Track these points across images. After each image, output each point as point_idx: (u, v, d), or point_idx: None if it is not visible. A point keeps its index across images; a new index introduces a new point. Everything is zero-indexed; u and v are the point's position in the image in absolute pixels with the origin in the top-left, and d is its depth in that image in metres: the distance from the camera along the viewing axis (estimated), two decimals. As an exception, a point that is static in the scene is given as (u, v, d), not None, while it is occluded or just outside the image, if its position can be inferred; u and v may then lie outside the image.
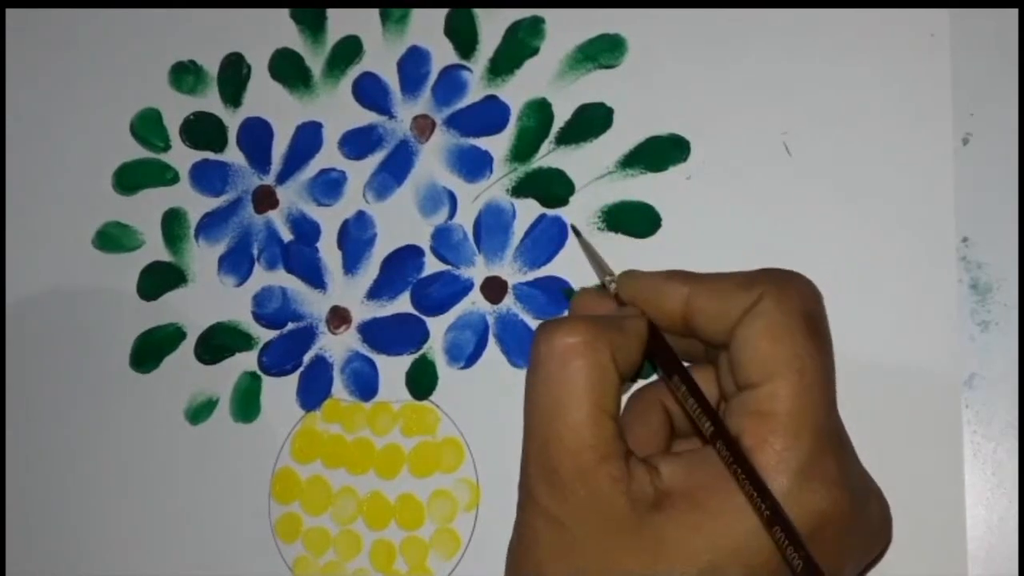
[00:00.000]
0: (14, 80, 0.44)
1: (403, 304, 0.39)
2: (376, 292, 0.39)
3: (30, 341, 0.42)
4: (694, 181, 0.36)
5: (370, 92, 0.40)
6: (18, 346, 0.42)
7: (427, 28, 0.39)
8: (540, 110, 0.37)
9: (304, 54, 0.40)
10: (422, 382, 0.38)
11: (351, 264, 0.39)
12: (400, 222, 0.39)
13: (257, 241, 0.40)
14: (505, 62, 0.38)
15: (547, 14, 0.38)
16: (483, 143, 0.38)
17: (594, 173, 0.37)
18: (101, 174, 0.42)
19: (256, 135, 0.41)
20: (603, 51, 0.37)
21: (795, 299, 0.28)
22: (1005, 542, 0.32)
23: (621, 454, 0.27)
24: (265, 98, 0.41)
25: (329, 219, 0.40)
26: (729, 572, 0.26)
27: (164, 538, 0.40)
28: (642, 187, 0.36)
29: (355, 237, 0.39)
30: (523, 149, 0.38)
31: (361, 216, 0.39)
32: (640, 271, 0.31)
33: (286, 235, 0.40)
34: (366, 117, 0.40)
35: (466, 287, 0.38)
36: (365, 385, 0.39)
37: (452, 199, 0.38)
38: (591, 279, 0.37)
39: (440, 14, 0.39)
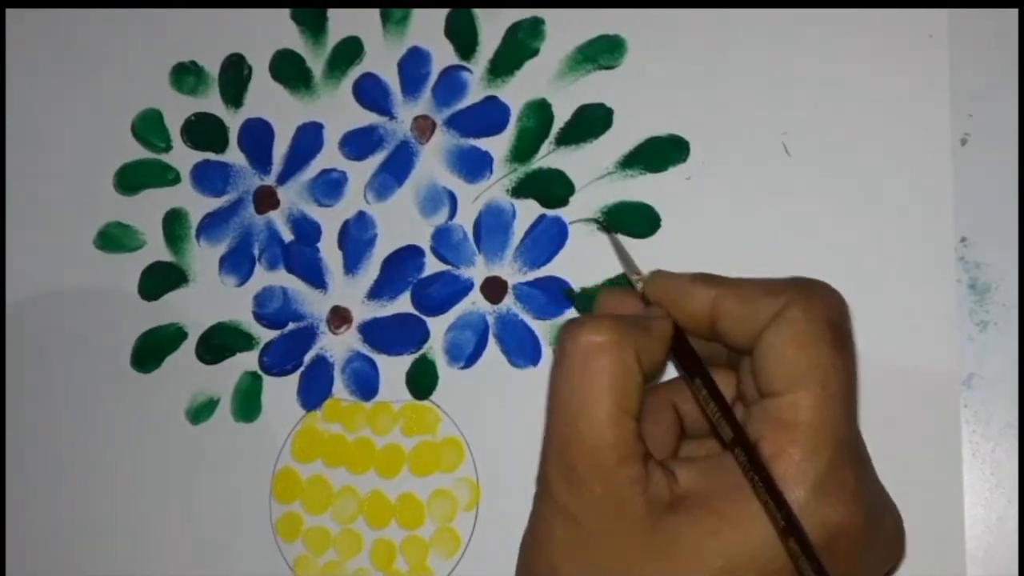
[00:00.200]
0: (15, 80, 0.44)
1: (403, 304, 0.39)
2: (377, 292, 0.39)
3: (31, 341, 0.42)
4: (694, 181, 0.36)
5: (371, 93, 0.40)
6: (19, 346, 0.42)
7: (427, 29, 0.39)
8: (540, 111, 0.38)
9: (305, 55, 0.40)
10: (422, 382, 0.38)
11: (352, 264, 0.39)
12: (400, 222, 0.39)
13: (258, 241, 0.40)
14: (505, 63, 0.38)
15: (547, 15, 0.38)
16: (483, 144, 0.38)
17: (594, 173, 0.37)
18: (102, 174, 0.42)
19: (257, 136, 0.41)
20: (603, 52, 0.37)
21: (822, 308, 0.27)
22: (1004, 542, 0.32)
23: (640, 455, 0.27)
24: (266, 99, 0.41)
25: (330, 219, 0.40)
26: None
27: (165, 537, 0.40)
28: (642, 187, 0.36)
29: (356, 237, 0.39)
30: (523, 150, 0.38)
31: (362, 216, 0.39)
32: (668, 272, 0.31)
33: (287, 235, 0.40)
34: (367, 118, 0.40)
35: (466, 287, 0.38)
36: (366, 385, 0.39)
37: (452, 199, 0.38)
38: (591, 279, 0.37)
39: (440, 15, 0.39)
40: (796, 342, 0.27)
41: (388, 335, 0.39)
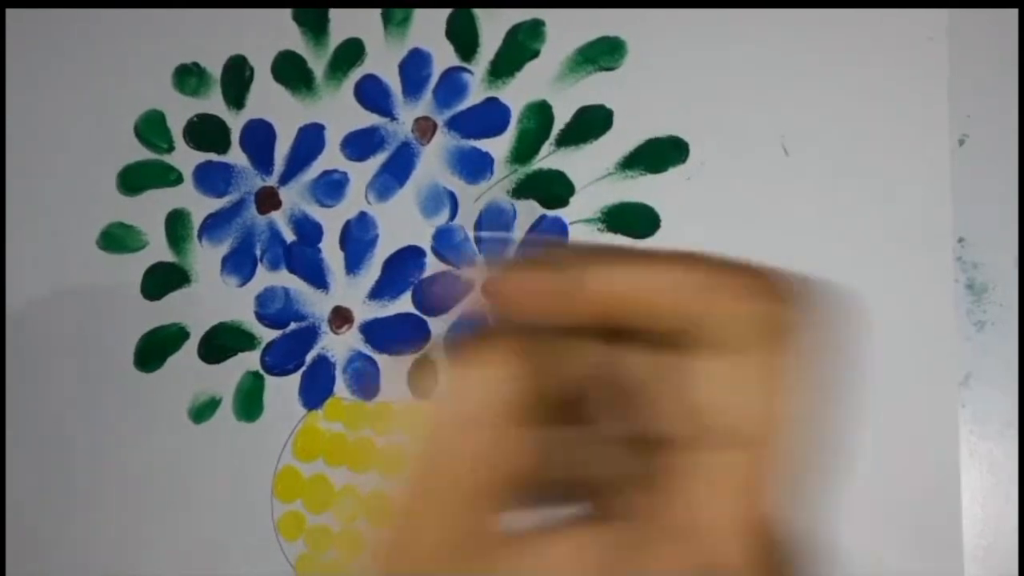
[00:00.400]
0: (17, 81, 0.44)
1: (405, 304, 0.39)
2: (378, 292, 0.39)
3: (34, 340, 0.42)
4: (694, 182, 0.36)
5: (372, 94, 0.40)
6: (22, 345, 0.43)
7: (428, 30, 0.39)
8: (540, 112, 0.38)
9: (306, 56, 0.40)
10: (423, 382, 0.38)
11: (353, 264, 0.39)
12: (402, 223, 0.39)
13: (260, 242, 0.40)
14: (506, 64, 0.38)
15: (547, 17, 0.38)
16: (484, 145, 0.38)
17: (594, 174, 0.37)
18: (105, 175, 0.42)
19: (259, 137, 0.41)
20: (603, 53, 0.37)
21: (795, 343, 0.21)
22: (1002, 540, 0.32)
23: (502, 487, 0.24)
24: (268, 100, 0.41)
25: (331, 220, 0.40)
26: None
27: (167, 536, 0.40)
28: (642, 188, 0.36)
29: (357, 238, 0.39)
30: (524, 150, 0.38)
31: (363, 217, 0.39)
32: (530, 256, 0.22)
33: (289, 236, 0.40)
34: (368, 119, 0.40)
35: (467, 287, 0.38)
36: (367, 384, 0.39)
37: (453, 200, 0.39)
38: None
39: (441, 16, 0.39)
40: (768, 382, 0.20)
41: (389, 335, 0.39)
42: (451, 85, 0.39)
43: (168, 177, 0.42)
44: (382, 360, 0.39)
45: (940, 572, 0.32)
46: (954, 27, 0.34)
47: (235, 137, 0.41)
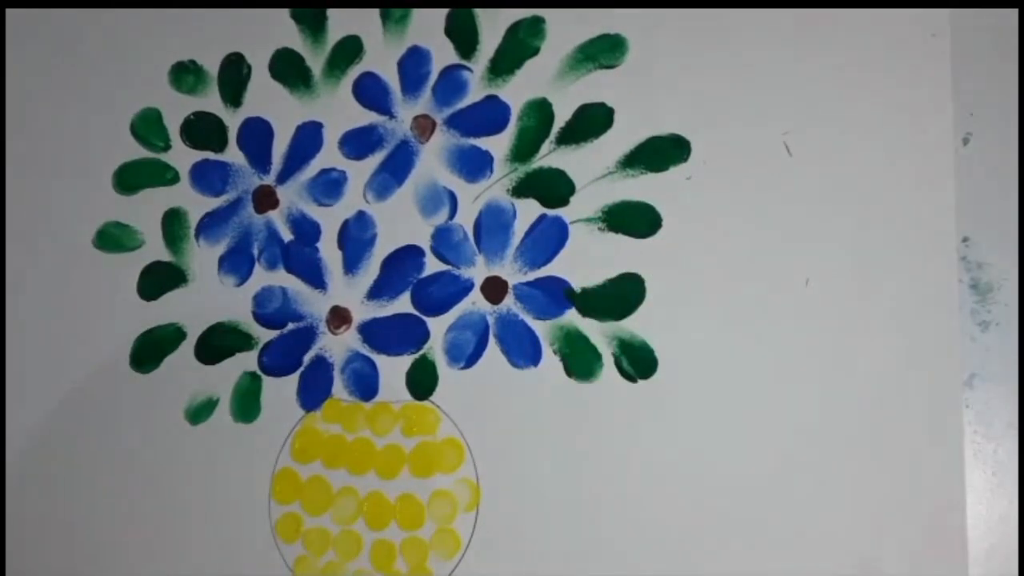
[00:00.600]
0: (14, 80, 0.44)
1: (403, 304, 0.39)
2: (376, 292, 0.39)
3: (30, 340, 0.42)
4: (694, 181, 0.36)
5: (370, 92, 0.40)
6: (18, 345, 0.42)
7: (427, 28, 0.39)
8: (540, 110, 0.37)
9: (304, 54, 0.40)
10: (422, 382, 0.38)
11: (351, 264, 0.39)
12: (400, 222, 0.39)
13: (257, 241, 0.40)
14: (505, 62, 0.38)
15: (547, 14, 0.38)
16: (483, 143, 0.38)
17: (595, 173, 0.37)
18: (101, 174, 0.42)
19: (256, 135, 0.41)
20: (603, 51, 0.37)
21: None
22: (1005, 542, 0.32)
23: None
24: (265, 98, 0.41)
25: (329, 219, 0.40)
26: None
27: (164, 538, 0.40)
28: (642, 187, 0.36)
29: (355, 237, 0.39)
30: (523, 149, 0.38)
31: (361, 216, 0.39)
32: None
33: (286, 235, 0.40)
34: (366, 117, 0.40)
35: (466, 287, 0.38)
36: (365, 385, 0.39)
37: (452, 199, 0.38)
38: (592, 279, 0.37)
39: (440, 14, 0.39)
40: None
41: (388, 335, 0.39)
42: (450, 83, 0.39)
43: (165, 176, 0.42)
44: (380, 361, 0.39)
45: (944, 573, 0.32)
46: (956, 26, 0.34)
47: (232, 135, 0.41)
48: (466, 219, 0.38)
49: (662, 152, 0.36)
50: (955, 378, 0.33)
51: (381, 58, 0.40)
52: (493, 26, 0.38)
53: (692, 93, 0.36)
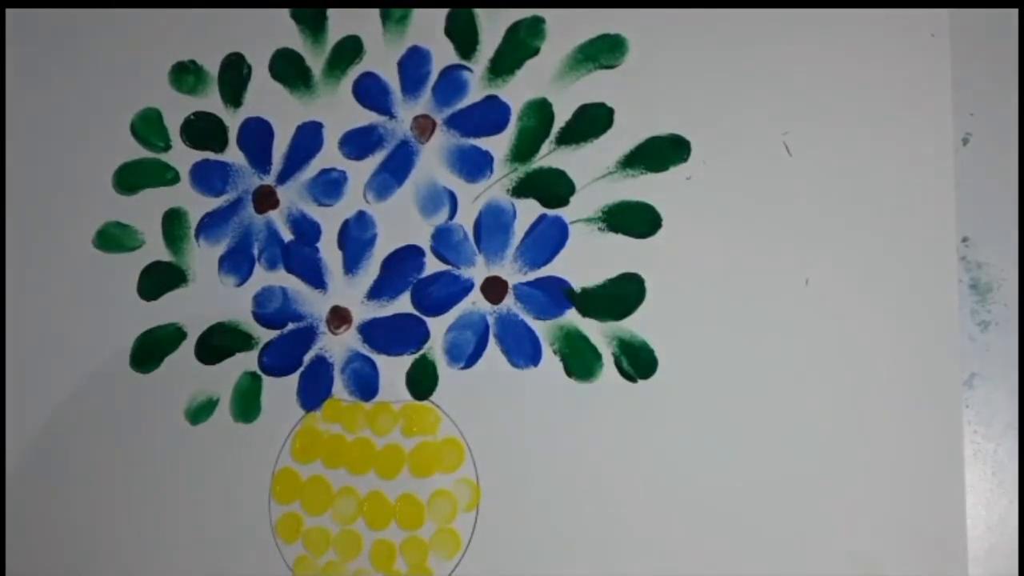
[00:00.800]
0: (14, 80, 0.44)
1: (403, 304, 0.39)
2: (376, 292, 0.39)
3: (30, 341, 0.42)
4: (694, 181, 0.36)
5: (370, 92, 0.40)
6: (18, 345, 0.42)
7: (427, 28, 0.39)
8: (540, 110, 0.37)
9: (304, 54, 0.40)
10: (422, 382, 0.38)
11: (351, 264, 0.39)
12: (400, 222, 0.39)
13: (257, 241, 0.40)
14: (505, 62, 0.38)
15: (547, 14, 0.38)
16: (483, 143, 0.38)
17: (594, 173, 0.37)
18: (102, 174, 0.42)
19: (256, 135, 0.41)
20: (603, 51, 0.37)
21: None
22: (1005, 542, 0.32)
23: None
24: (265, 98, 0.41)
25: (329, 219, 0.40)
26: None
27: (164, 538, 0.40)
28: (642, 187, 0.36)
29: (355, 237, 0.39)
30: (523, 149, 0.38)
31: (361, 216, 0.39)
32: None
33: (286, 235, 0.40)
34: (366, 117, 0.40)
35: (466, 287, 0.38)
36: (365, 385, 0.39)
37: (452, 199, 0.38)
38: (592, 279, 0.37)
39: (440, 14, 0.39)
40: None
41: (388, 335, 0.39)
42: (450, 83, 0.39)
43: (165, 176, 0.42)
44: (381, 361, 0.39)
45: (944, 573, 0.32)
46: (956, 25, 0.34)
47: (232, 135, 0.41)
48: (466, 219, 0.38)
49: (662, 152, 0.36)
50: (955, 378, 0.33)
51: (381, 58, 0.40)
52: (493, 26, 0.38)
53: (692, 93, 0.36)
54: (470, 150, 0.38)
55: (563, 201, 0.37)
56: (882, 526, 0.33)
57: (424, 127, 0.39)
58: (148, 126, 0.42)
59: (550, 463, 0.36)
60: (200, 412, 0.40)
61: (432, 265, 0.38)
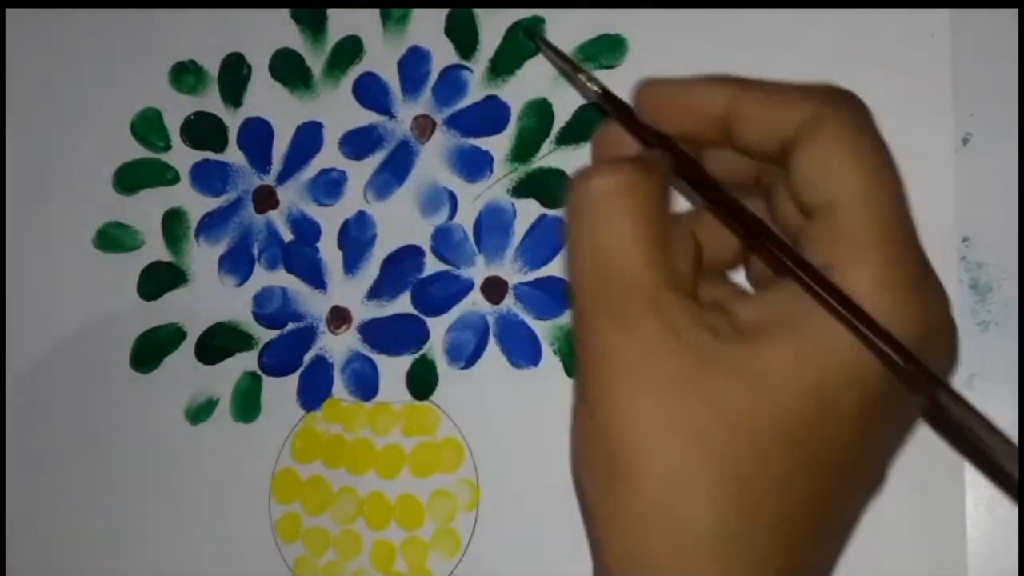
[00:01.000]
0: (14, 80, 0.44)
1: (403, 304, 0.39)
2: (376, 292, 0.39)
3: (30, 341, 0.42)
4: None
5: (370, 92, 0.40)
6: (18, 346, 0.42)
7: (427, 28, 0.39)
8: (541, 110, 0.37)
9: (304, 54, 0.40)
10: (422, 382, 0.38)
11: (351, 264, 0.39)
12: (400, 222, 0.39)
13: (257, 241, 0.40)
14: (506, 62, 0.38)
15: (547, 14, 0.38)
16: (484, 143, 0.38)
17: (594, 173, 0.37)
18: (101, 174, 0.42)
19: (256, 135, 0.41)
20: (604, 51, 0.37)
21: (860, 113, 0.26)
22: (1005, 543, 0.32)
23: (682, 288, 0.26)
24: (265, 98, 0.41)
25: (329, 219, 0.40)
26: (843, 398, 0.24)
27: (164, 538, 0.40)
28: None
29: (355, 237, 0.39)
30: (524, 149, 0.38)
31: (361, 216, 0.39)
32: (664, 77, 0.29)
33: (286, 235, 0.40)
34: (366, 117, 0.40)
35: (466, 287, 0.38)
36: (365, 385, 0.39)
37: (452, 199, 0.38)
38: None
39: (440, 14, 0.39)
40: (845, 148, 0.25)
41: (388, 335, 0.39)
42: (450, 83, 0.39)
43: (165, 176, 0.41)
44: (380, 361, 0.39)
45: (943, 573, 0.32)
46: (956, 26, 0.34)
47: (232, 135, 0.41)
48: (466, 219, 0.38)
49: (662, 152, 0.36)
50: (955, 378, 0.33)
51: (381, 58, 0.39)
52: (493, 26, 0.38)
53: (692, 93, 0.36)
54: (470, 150, 0.38)
55: (563, 201, 0.37)
56: (881, 526, 0.33)
57: (424, 127, 0.39)
58: (148, 126, 0.42)
59: (550, 463, 0.36)
60: (200, 412, 0.40)
61: (432, 265, 0.38)
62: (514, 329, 0.37)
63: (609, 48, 0.37)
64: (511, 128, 0.38)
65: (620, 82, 0.37)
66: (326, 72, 0.40)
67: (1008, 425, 0.33)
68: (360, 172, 0.39)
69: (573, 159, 0.37)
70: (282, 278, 0.40)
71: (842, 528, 0.27)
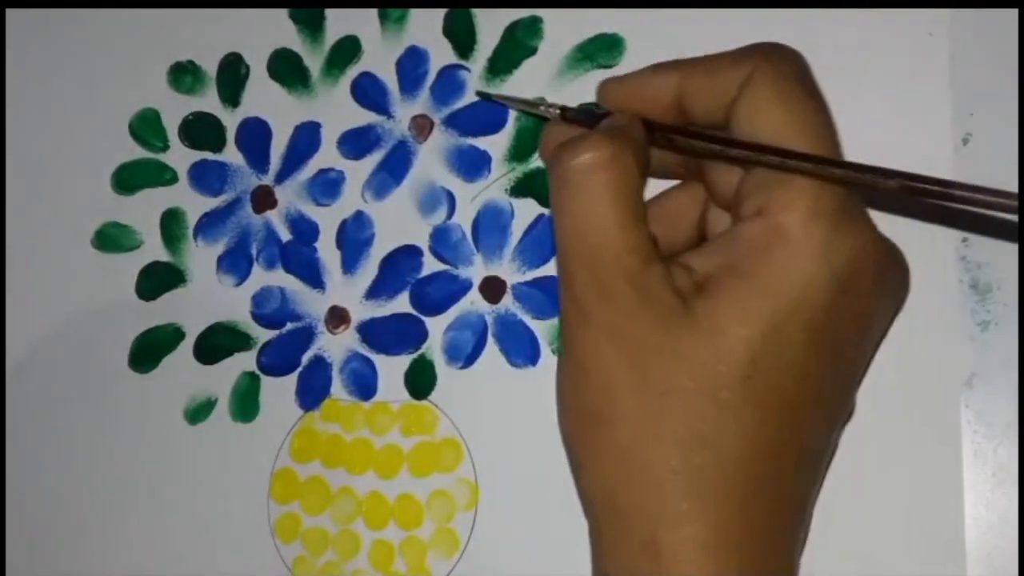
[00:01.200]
0: (14, 80, 0.44)
1: (402, 304, 0.39)
2: (375, 292, 0.39)
3: (29, 341, 0.42)
4: (693, 181, 0.36)
5: (368, 92, 0.40)
6: (17, 346, 0.42)
7: (425, 28, 0.39)
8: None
9: (302, 54, 0.40)
10: (421, 382, 0.38)
11: (350, 264, 0.39)
12: (399, 222, 0.39)
13: (256, 241, 0.40)
14: (503, 62, 0.38)
15: (545, 14, 0.38)
16: (481, 143, 0.38)
17: (593, 173, 0.37)
18: (100, 174, 0.42)
19: (255, 135, 0.41)
20: (601, 51, 0.37)
21: (789, 65, 0.28)
22: (1005, 542, 0.32)
23: (658, 255, 0.28)
24: (263, 98, 0.40)
25: (328, 219, 0.40)
26: (791, 331, 0.26)
27: (163, 538, 0.40)
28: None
29: (354, 237, 0.39)
30: (522, 149, 0.38)
31: (360, 216, 0.39)
32: (617, 75, 0.32)
33: (285, 235, 0.40)
34: (364, 117, 0.39)
35: (465, 287, 0.38)
36: (364, 385, 0.39)
37: (451, 199, 0.38)
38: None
39: (438, 14, 0.39)
40: (774, 99, 0.27)
41: (386, 335, 0.39)
42: (448, 82, 0.39)
43: (163, 176, 0.41)
44: (379, 360, 0.39)
45: (943, 573, 0.32)
46: (955, 26, 0.34)
47: (231, 135, 0.41)
48: (464, 219, 0.38)
49: (660, 152, 0.36)
50: (954, 378, 0.33)
51: (379, 58, 0.39)
52: (491, 26, 0.38)
53: (690, 93, 0.36)
54: (468, 150, 0.38)
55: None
56: (881, 526, 0.33)
57: (422, 127, 0.39)
58: (146, 126, 0.42)
59: (549, 463, 0.36)
60: (199, 412, 0.40)
61: (430, 265, 0.38)
62: (513, 328, 0.37)
63: (606, 48, 0.37)
64: (509, 128, 0.38)
65: (618, 82, 0.37)
66: (324, 72, 0.40)
67: (1008, 425, 0.33)
68: (358, 172, 0.39)
69: (571, 159, 0.37)
70: (280, 278, 0.40)
71: (812, 459, 0.29)
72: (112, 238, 0.42)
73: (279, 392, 0.39)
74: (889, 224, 0.34)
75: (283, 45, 0.40)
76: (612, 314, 0.28)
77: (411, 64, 0.39)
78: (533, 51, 0.38)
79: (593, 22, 0.37)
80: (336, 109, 0.40)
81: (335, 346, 0.39)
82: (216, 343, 0.40)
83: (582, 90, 0.37)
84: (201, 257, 0.41)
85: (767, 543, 0.27)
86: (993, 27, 0.33)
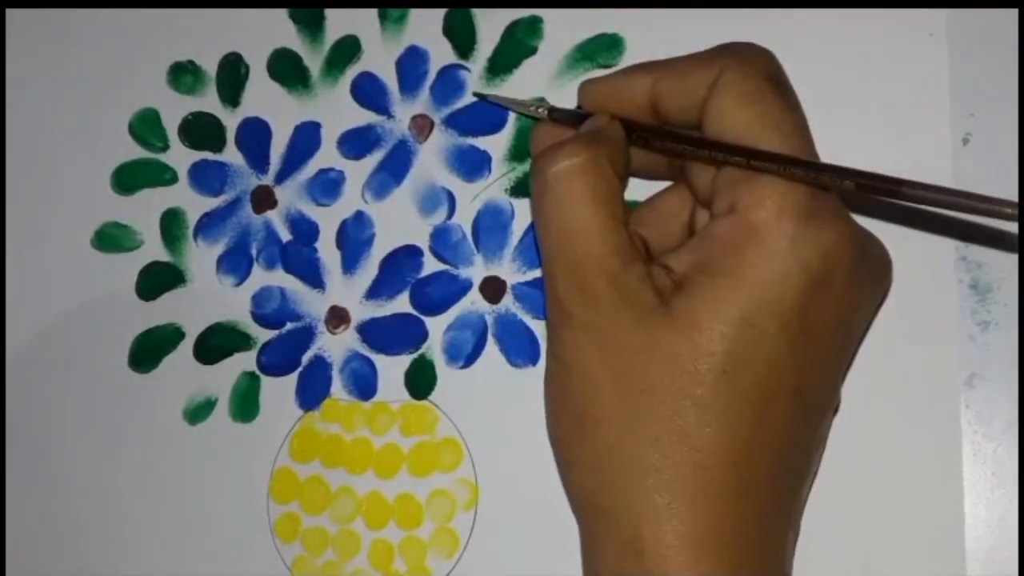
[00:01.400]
0: (14, 80, 0.44)
1: (402, 304, 0.39)
2: (375, 292, 0.39)
3: (29, 341, 0.42)
4: (693, 181, 0.36)
5: (368, 92, 0.40)
6: (17, 346, 0.42)
7: (425, 28, 0.39)
8: (538, 110, 0.37)
9: (302, 54, 0.40)
10: (421, 382, 0.38)
11: (350, 264, 0.39)
12: (399, 222, 0.39)
13: (256, 241, 0.40)
14: (503, 62, 0.38)
15: (545, 14, 0.38)
16: (482, 143, 0.38)
17: (593, 173, 0.37)
18: (100, 174, 0.42)
19: (255, 135, 0.41)
20: (601, 50, 0.37)
21: (756, 63, 0.29)
22: (1005, 542, 0.32)
23: (639, 256, 0.29)
24: (263, 98, 0.40)
25: (328, 219, 0.40)
26: (766, 326, 0.27)
27: (162, 538, 0.40)
28: (640, 186, 0.36)
29: (354, 237, 0.39)
30: (522, 149, 0.38)
31: (360, 216, 0.39)
32: (595, 77, 0.33)
33: (285, 235, 0.40)
34: (364, 117, 0.39)
35: (465, 287, 0.38)
36: (364, 385, 0.39)
37: (451, 199, 0.38)
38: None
39: (438, 14, 0.39)
40: (740, 99, 0.28)
41: (386, 335, 0.39)
42: (448, 82, 0.39)
43: (163, 176, 0.41)
44: (379, 360, 0.39)
45: (943, 573, 0.32)
46: (954, 26, 0.34)
47: (231, 135, 0.41)
48: (464, 219, 0.38)
49: (660, 152, 0.36)
50: (954, 378, 0.33)
51: (379, 58, 0.39)
52: (491, 26, 0.38)
53: (690, 92, 0.36)
54: (468, 150, 0.38)
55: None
56: (881, 526, 0.33)
57: (422, 127, 0.39)
58: (146, 126, 0.42)
59: (549, 463, 0.36)
60: (198, 412, 0.40)
61: (430, 265, 0.38)
62: (513, 328, 0.37)
63: (606, 47, 0.37)
64: (509, 127, 0.38)
65: (618, 82, 0.37)
66: (324, 72, 0.40)
67: (1008, 425, 0.33)
68: (358, 172, 0.39)
69: (571, 159, 0.37)
70: (280, 278, 0.40)
71: (795, 453, 0.29)
72: (112, 238, 0.42)
73: (279, 392, 0.39)
74: (889, 224, 0.34)
75: (283, 45, 0.40)
76: (593, 314, 0.28)
77: (411, 64, 0.39)
78: (533, 51, 0.38)
79: (593, 22, 0.37)
80: (336, 109, 0.40)
81: (335, 346, 0.39)
82: (216, 343, 0.40)
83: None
84: (201, 257, 0.41)
85: (752, 537, 0.28)
86: (993, 27, 0.33)
